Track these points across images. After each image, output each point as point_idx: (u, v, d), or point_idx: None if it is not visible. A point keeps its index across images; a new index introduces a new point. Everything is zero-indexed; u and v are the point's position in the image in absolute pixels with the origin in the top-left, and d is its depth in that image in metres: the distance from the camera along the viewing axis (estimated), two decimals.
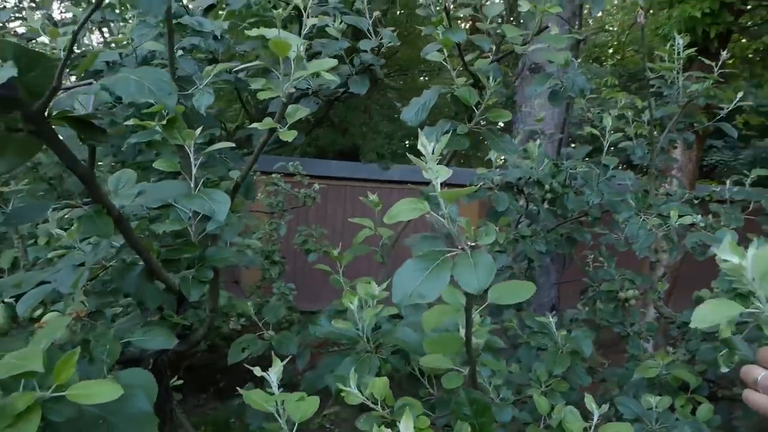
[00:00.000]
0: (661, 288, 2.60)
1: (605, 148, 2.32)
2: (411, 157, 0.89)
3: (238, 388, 1.01)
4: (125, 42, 1.52)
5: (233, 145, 1.29)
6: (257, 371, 0.89)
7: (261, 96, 1.20)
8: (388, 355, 1.28)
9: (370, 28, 1.80)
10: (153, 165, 1.24)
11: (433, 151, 0.87)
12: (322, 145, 11.82)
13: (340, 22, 1.77)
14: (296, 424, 0.86)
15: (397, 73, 12.66)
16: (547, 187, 2.35)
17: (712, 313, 0.69)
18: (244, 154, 2.30)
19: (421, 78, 14.97)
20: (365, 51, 1.81)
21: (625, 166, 2.83)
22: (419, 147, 0.87)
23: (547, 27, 1.47)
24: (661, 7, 7.20)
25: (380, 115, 12.98)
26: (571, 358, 1.90)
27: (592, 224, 2.54)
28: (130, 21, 1.54)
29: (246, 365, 1.06)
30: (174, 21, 1.65)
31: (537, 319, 2.03)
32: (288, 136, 1.21)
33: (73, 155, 0.76)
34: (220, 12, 2.01)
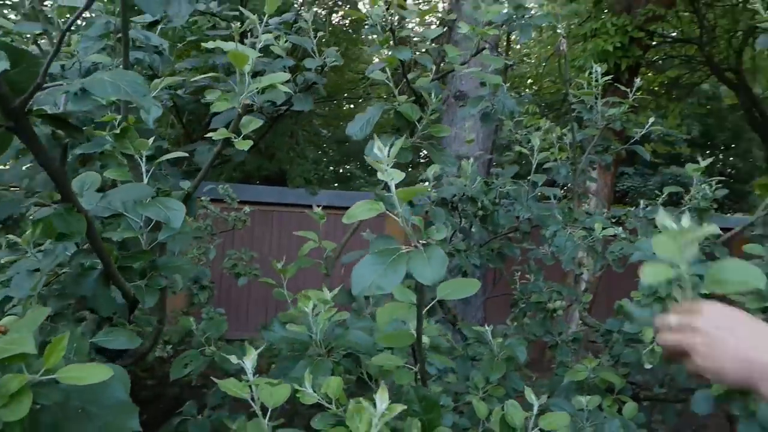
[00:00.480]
0: (585, 299, 2.76)
1: (533, 167, 2.47)
2: (368, 159, 0.96)
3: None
4: (72, 54, 1.51)
5: (186, 154, 1.31)
6: (233, 359, 0.91)
7: (218, 107, 1.23)
8: (340, 358, 1.33)
9: (314, 48, 1.87)
10: (104, 174, 1.24)
11: (388, 155, 0.94)
12: (249, 170, 11.73)
13: (285, 41, 1.83)
14: (270, 410, 0.89)
15: (322, 101, 12.77)
16: (479, 204, 2.47)
17: (655, 271, 0.78)
18: (183, 173, 2.30)
19: (346, 106, 15.17)
20: (309, 69, 1.87)
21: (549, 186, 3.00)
22: (375, 151, 0.94)
23: (484, 48, 1.59)
24: (577, 41, 7.67)
25: (306, 141, 13.04)
26: (506, 365, 2.00)
27: (521, 239, 2.67)
28: (76, 34, 1.54)
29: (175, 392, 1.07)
30: (118, 35, 1.66)
31: (474, 329, 2.12)
32: (243, 145, 1.25)
33: (47, 153, 0.77)
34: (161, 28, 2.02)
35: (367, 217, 0.94)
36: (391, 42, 1.48)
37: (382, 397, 0.70)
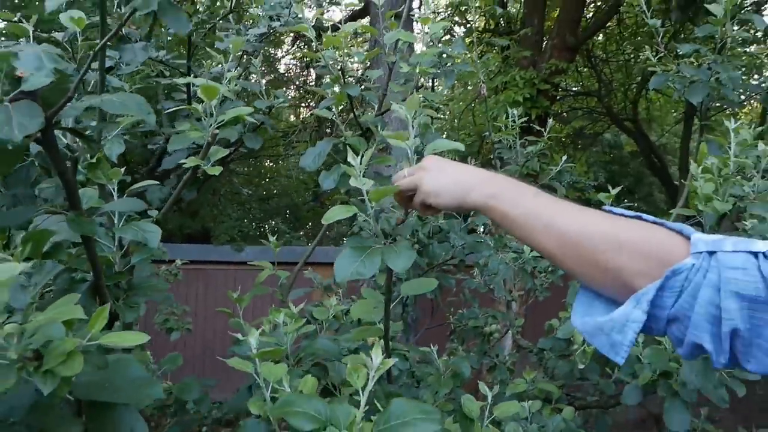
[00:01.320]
0: (518, 323, 2.96)
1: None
2: (344, 167, 1.10)
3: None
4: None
5: (158, 183, 1.40)
6: (239, 336, 1.00)
7: (191, 136, 1.34)
8: (309, 367, 1.42)
9: (263, 90, 2.01)
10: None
11: (360, 162, 1.08)
12: (171, 228, 11.54)
13: (235, 85, 1.96)
14: (271, 383, 0.99)
15: (243, 158, 12.85)
16: (415, 237, 2.63)
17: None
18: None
19: (267, 163, 15.27)
20: (258, 110, 2.01)
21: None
22: (349, 159, 1.08)
23: (422, 86, 1.78)
24: (489, 94, 8.20)
25: (227, 200, 13.01)
26: (453, 381, 2.13)
27: (455, 270, 2.85)
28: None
29: None
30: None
31: (420, 349, 2.25)
32: (214, 171, 1.36)
33: (65, 163, 0.86)
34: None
35: (343, 217, 1.07)
36: (341, 80, 1.64)
37: (376, 353, 0.82)
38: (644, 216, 0.74)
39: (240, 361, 1.02)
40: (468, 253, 2.69)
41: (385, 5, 1.98)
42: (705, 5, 2.36)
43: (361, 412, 0.83)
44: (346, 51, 1.60)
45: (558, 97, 9.22)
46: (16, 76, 0.74)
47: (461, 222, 2.71)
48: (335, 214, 1.08)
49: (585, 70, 11.74)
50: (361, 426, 0.83)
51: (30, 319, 0.71)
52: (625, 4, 9.30)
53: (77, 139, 0.88)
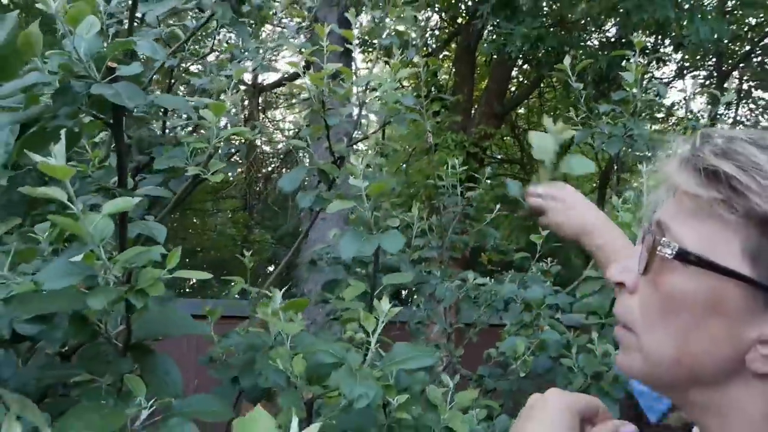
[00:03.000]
0: (458, 353, 3.18)
1: (413, 236, 2.92)
2: (301, 202, 1.32)
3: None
4: None
5: (159, 186, 1.57)
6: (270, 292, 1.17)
7: (196, 146, 1.53)
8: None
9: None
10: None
11: (360, 165, 1.31)
12: None
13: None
14: (289, 336, 1.16)
15: (190, 210, 12.80)
16: (363, 271, 2.85)
17: (540, 139, 1.19)
18: None
19: (194, 220, 15.16)
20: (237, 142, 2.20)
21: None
22: (351, 160, 1.30)
23: (389, 122, 2.04)
24: (421, 156, 8.65)
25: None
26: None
27: (406, 300, 3.06)
28: None
29: None
30: None
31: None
32: (216, 178, 1.55)
33: (126, 143, 1.03)
34: None
35: (344, 208, 1.29)
36: (322, 112, 1.88)
37: (385, 302, 1.02)
38: None
39: (267, 315, 1.19)
40: (417, 284, 2.92)
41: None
42: (620, 72, 2.78)
43: (372, 351, 1.02)
44: (327, 89, 1.84)
45: (485, 162, 9.81)
46: (109, 65, 0.93)
47: (410, 255, 2.95)
48: (335, 206, 1.29)
49: (509, 138, 12.54)
50: (370, 363, 1.02)
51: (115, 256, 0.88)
52: (543, 82, 10.15)
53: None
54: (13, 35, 0.88)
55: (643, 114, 2.91)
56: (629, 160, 3.13)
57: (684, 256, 0.56)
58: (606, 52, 5.67)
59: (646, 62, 7.00)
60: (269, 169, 14.98)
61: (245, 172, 12.03)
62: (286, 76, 9.05)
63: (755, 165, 0.54)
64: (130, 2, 1.15)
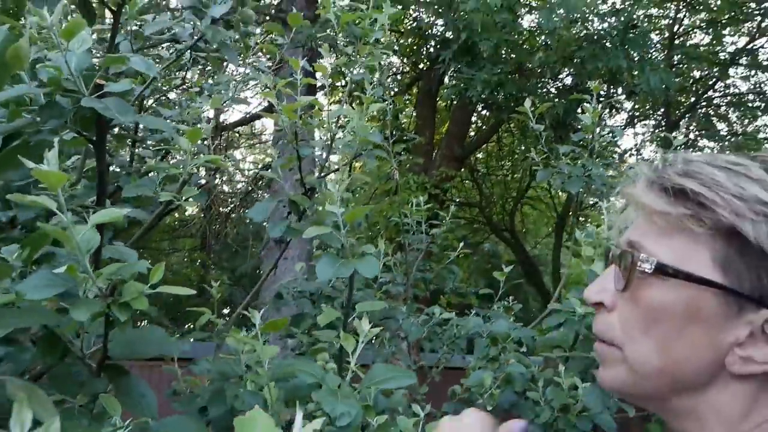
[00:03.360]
0: (422, 390, 3.17)
1: (379, 272, 2.93)
2: (272, 234, 1.33)
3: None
4: None
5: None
6: (249, 313, 1.15)
7: (171, 171, 1.53)
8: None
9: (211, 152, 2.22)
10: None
11: (337, 192, 1.33)
12: None
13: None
14: (267, 361, 1.14)
15: (145, 249, 12.53)
16: (333, 302, 2.84)
17: None
18: None
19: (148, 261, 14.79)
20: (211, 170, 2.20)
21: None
22: (329, 186, 1.32)
23: (361, 154, 2.07)
24: (383, 197, 8.74)
25: None
26: None
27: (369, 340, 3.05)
28: None
29: None
30: None
31: None
32: (190, 205, 1.54)
33: (107, 164, 1.03)
34: None
35: (321, 233, 1.30)
36: (295, 143, 1.90)
37: (365, 323, 1.03)
38: None
39: (245, 338, 1.18)
40: (381, 319, 2.92)
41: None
42: (577, 116, 2.91)
43: (351, 371, 1.03)
44: (301, 120, 1.87)
45: (446, 204, 9.95)
46: (97, 82, 0.94)
47: (375, 291, 2.96)
48: (313, 231, 1.30)
49: (468, 182, 12.77)
50: (349, 383, 1.02)
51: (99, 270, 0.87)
52: (501, 128, 10.44)
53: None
54: (1, 47, 0.88)
55: (598, 159, 3.03)
56: (587, 199, 3.24)
57: (662, 270, 0.60)
58: (562, 99, 5.91)
59: (600, 108, 7.27)
60: (228, 208, 14.85)
61: (204, 211, 11.89)
62: (247, 115, 9.06)
63: (716, 183, 0.59)
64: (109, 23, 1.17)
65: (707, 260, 0.59)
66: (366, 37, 2.12)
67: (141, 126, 1.66)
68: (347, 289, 1.44)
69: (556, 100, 5.76)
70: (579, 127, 2.93)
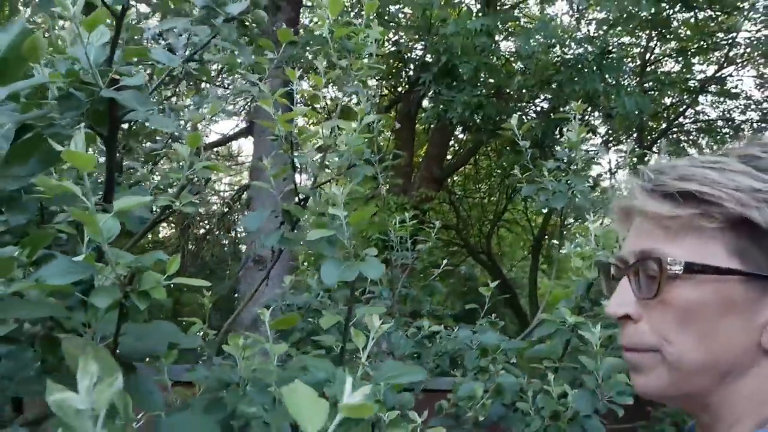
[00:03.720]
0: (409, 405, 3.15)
1: (366, 288, 2.93)
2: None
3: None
4: None
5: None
6: (258, 311, 1.14)
7: (171, 176, 1.53)
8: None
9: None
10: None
11: (340, 196, 1.34)
12: None
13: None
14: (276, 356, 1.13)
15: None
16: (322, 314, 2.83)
17: None
18: None
19: None
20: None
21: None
22: (333, 189, 1.33)
23: (354, 165, 2.08)
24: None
25: None
26: None
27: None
28: None
29: None
30: None
31: None
32: (188, 209, 1.54)
33: (116, 160, 1.03)
34: None
35: (325, 235, 1.31)
36: (291, 151, 1.91)
37: (375, 319, 1.04)
38: None
39: (258, 337, 1.17)
40: None
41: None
42: (555, 138, 2.97)
43: (362, 366, 1.03)
44: (296, 129, 1.89)
45: (426, 225, 9.99)
46: (112, 77, 0.95)
47: (363, 304, 2.96)
48: (315, 234, 1.31)
49: (445, 205, 12.84)
50: (359, 379, 1.02)
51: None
52: (479, 151, 10.56)
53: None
54: (18, 41, 0.89)
55: (583, 173, 3.09)
56: (570, 215, 3.29)
57: (690, 269, 0.62)
58: (541, 122, 6.03)
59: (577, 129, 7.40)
60: (203, 230, 14.71)
61: (181, 231, 11.75)
62: (227, 135, 9.05)
63: (713, 181, 0.63)
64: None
65: (723, 253, 0.62)
66: (359, 51, 2.16)
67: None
68: (349, 293, 1.44)
69: (536, 121, 5.87)
70: (557, 149, 3.04)
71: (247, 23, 1.27)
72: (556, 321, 2.13)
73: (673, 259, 0.63)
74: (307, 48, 6.66)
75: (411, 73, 8.12)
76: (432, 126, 8.90)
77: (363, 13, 2.18)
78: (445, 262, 3.93)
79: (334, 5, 2.04)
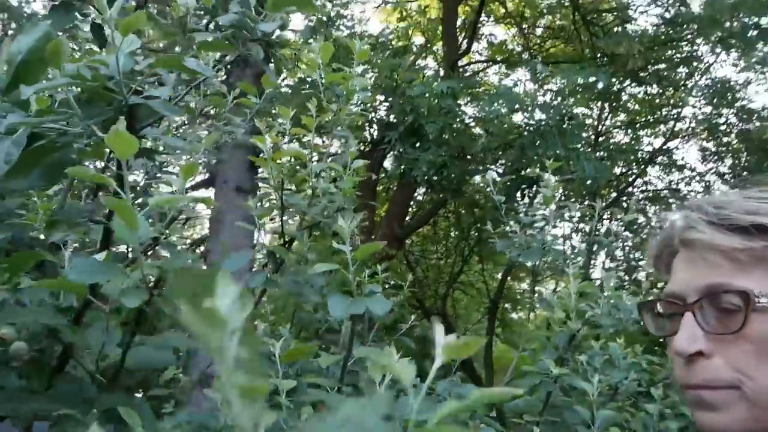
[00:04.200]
0: None
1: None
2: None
3: None
4: None
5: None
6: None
7: (162, 204, 1.47)
8: None
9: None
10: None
11: (347, 230, 1.31)
12: None
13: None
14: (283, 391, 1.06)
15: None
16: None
17: None
18: None
19: None
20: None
21: None
22: (340, 223, 1.30)
23: (344, 208, 2.05)
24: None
25: None
26: None
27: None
28: None
29: None
30: None
31: None
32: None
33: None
34: None
35: (329, 269, 1.27)
36: (280, 192, 1.88)
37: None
38: None
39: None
40: (348, 385, 2.82)
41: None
42: (538, 190, 3.03)
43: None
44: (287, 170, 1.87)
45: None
46: (136, 88, 0.91)
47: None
48: (321, 267, 1.27)
49: (402, 265, 12.85)
50: None
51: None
52: (440, 212, 10.69)
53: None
54: (41, 43, 0.85)
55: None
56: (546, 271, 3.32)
57: None
58: (507, 182, 6.16)
59: (532, 196, 7.61)
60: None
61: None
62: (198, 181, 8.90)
63: None
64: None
65: None
66: (349, 97, 2.17)
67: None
68: (348, 335, 1.39)
69: (509, 178, 5.97)
70: (521, 210, 3.10)
71: (271, 44, 1.25)
72: (540, 373, 2.10)
73: (761, 291, 0.62)
74: (273, 101, 6.71)
75: (375, 132, 8.25)
76: (392, 186, 8.98)
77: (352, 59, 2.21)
78: (413, 317, 3.88)
79: (326, 51, 2.05)
